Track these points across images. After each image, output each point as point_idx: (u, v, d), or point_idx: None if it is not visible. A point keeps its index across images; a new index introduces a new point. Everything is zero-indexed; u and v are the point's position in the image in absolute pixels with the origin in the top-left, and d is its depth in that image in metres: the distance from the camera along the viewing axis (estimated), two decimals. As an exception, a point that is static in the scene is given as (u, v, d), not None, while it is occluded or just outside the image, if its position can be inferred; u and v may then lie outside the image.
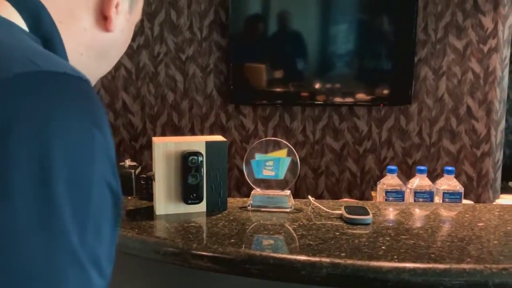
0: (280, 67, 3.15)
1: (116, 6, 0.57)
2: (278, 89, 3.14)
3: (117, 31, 0.59)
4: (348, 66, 3.14)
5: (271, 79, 3.15)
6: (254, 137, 3.18)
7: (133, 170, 1.77)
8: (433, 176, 2.11)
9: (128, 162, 1.84)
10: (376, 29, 3.10)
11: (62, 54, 0.53)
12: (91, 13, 0.56)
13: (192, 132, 3.19)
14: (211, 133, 3.18)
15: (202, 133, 3.19)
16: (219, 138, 1.42)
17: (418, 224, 1.31)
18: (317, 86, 3.12)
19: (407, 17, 2.97)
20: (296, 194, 1.40)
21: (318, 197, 3.19)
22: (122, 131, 3.22)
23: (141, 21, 3.11)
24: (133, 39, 3.10)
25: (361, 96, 3.10)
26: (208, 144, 1.35)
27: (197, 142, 1.35)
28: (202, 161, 1.32)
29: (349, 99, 3.09)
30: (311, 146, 3.19)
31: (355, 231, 1.21)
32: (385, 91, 3.13)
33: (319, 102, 3.10)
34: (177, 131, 3.19)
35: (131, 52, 3.12)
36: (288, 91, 3.13)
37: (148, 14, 3.11)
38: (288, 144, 1.39)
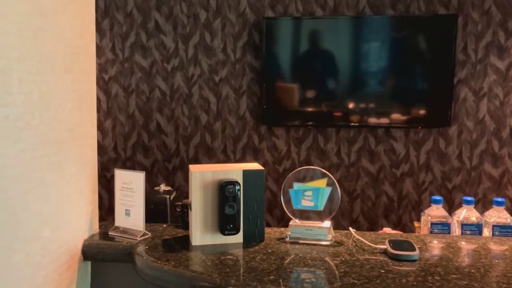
0: (313, 87, 3.11)
1: None
2: (310, 109, 3.10)
3: None
4: (382, 84, 3.07)
5: (304, 98, 3.11)
6: (286, 158, 3.14)
7: (168, 196, 1.75)
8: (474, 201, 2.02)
9: (163, 187, 1.82)
10: (412, 48, 3.02)
11: None
12: None
13: (225, 154, 3.17)
14: (244, 154, 3.16)
15: (234, 155, 3.17)
16: (256, 166, 1.38)
17: (468, 261, 1.22)
18: (351, 105, 3.06)
19: (445, 37, 2.89)
20: (330, 218, 1.35)
21: (354, 221, 3.10)
22: (156, 152, 3.23)
23: (176, 43, 3.14)
24: (168, 61, 3.14)
25: (396, 116, 3.01)
26: (246, 173, 1.31)
27: (234, 171, 1.32)
28: (239, 191, 1.29)
29: (384, 120, 3.01)
30: (346, 168, 3.12)
31: (401, 268, 1.14)
32: (422, 111, 3.03)
33: (354, 124, 3.03)
34: (210, 152, 3.18)
35: (166, 74, 3.15)
36: (321, 111, 3.08)
37: (183, 37, 3.14)
38: (328, 173, 1.34)
